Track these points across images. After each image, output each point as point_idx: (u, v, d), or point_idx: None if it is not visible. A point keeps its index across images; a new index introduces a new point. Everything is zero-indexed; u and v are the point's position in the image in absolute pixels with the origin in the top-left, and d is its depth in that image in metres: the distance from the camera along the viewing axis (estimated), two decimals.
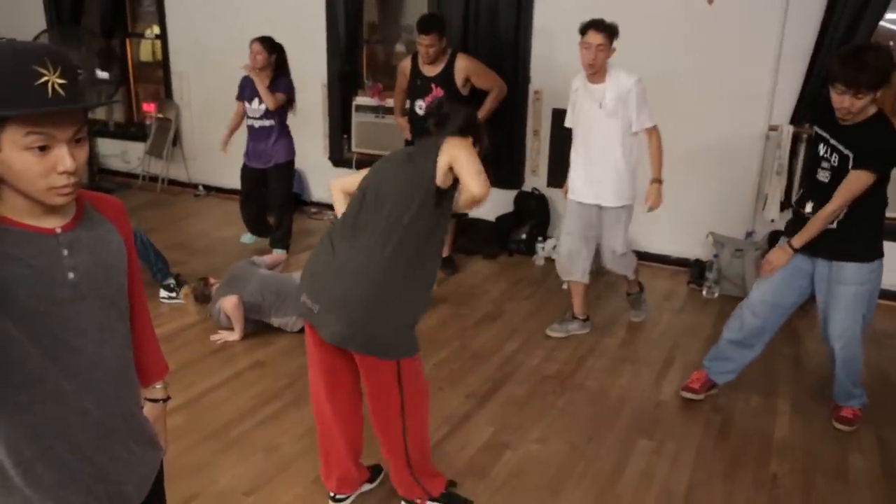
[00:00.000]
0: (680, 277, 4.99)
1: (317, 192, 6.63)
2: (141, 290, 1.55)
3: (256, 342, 3.88)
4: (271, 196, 5.24)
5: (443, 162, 2.19)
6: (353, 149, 6.29)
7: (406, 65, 4.75)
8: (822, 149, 2.90)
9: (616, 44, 3.64)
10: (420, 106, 4.62)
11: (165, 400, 1.66)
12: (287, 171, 5.17)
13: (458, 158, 2.19)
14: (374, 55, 6.64)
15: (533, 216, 5.45)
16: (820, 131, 2.92)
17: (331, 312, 2.21)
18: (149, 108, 7.40)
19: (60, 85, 1.16)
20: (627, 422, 3.19)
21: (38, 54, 1.15)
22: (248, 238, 5.58)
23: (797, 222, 3.01)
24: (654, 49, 4.75)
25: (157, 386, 1.64)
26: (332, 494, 2.60)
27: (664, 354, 3.86)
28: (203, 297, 4.12)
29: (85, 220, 1.34)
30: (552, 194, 5.49)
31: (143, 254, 4.37)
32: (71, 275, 1.28)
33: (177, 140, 7.17)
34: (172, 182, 7.25)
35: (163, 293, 4.38)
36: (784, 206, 4.42)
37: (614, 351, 3.88)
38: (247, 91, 5.02)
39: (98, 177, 7.32)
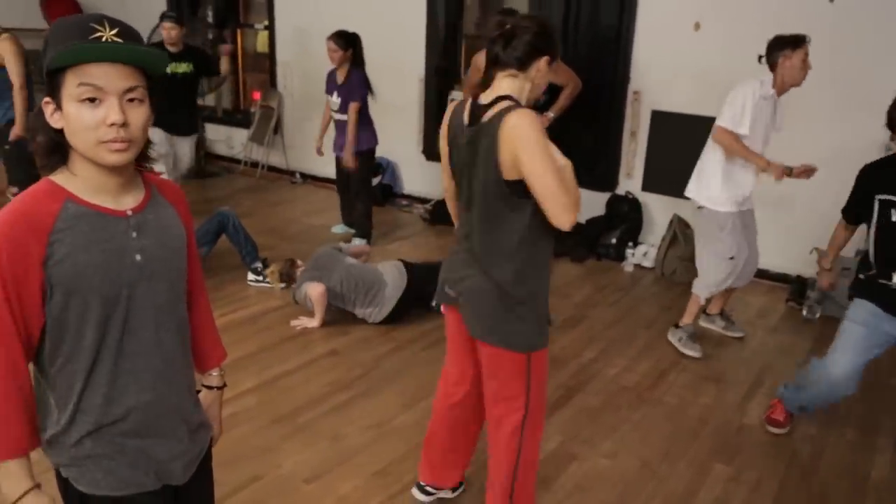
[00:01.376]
0: (778, 294, 4.68)
1: (409, 185, 6.67)
2: (199, 275, 1.57)
3: (334, 330, 3.92)
4: (344, 184, 5.42)
5: (505, 159, 1.89)
6: None
7: (480, 59, 4.67)
8: None
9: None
10: None
11: (221, 387, 1.66)
12: (362, 159, 5.20)
13: (529, 166, 1.86)
14: (474, 51, 6.59)
15: (625, 221, 5.26)
16: (890, 197, 2.68)
17: (466, 301, 2.13)
18: (257, 96, 7.68)
19: (114, 43, 1.20)
20: (706, 444, 3.00)
21: (97, 17, 1.21)
22: (339, 228, 5.68)
23: (882, 292, 2.74)
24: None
25: (214, 373, 1.65)
26: (420, 483, 2.56)
27: (753, 375, 3.62)
28: (287, 278, 4.28)
29: (152, 203, 1.37)
30: (646, 199, 5.29)
31: (234, 237, 4.51)
32: (138, 256, 1.31)
33: (278, 128, 7.39)
34: (272, 168, 7.49)
35: (250, 276, 4.51)
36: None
37: (699, 367, 3.68)
38: (329, 85, 5.16)
39: (204, 161, 7.65)
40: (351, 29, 5.17)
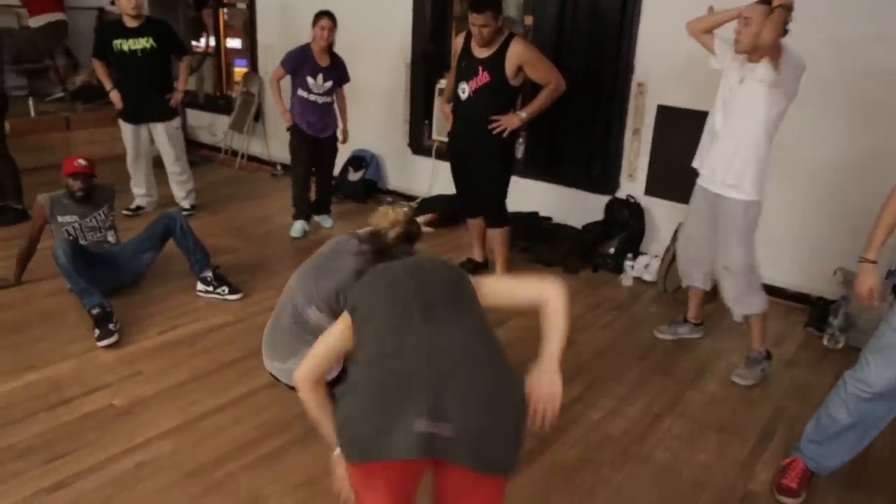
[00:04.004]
0: (795, 317, 4.13)
1: (394, 181, 6.16)
2: None
3: None
4: (325, 165, 5.16)
5: None
6: (434, 136, 5.77)
7: (458, 42, 4.13)
8: None
9: None
10: (464, 90, 4.02)
11: None
12: (337, 140, 5.13)
13: None
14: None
15: (625, 228, 4.72)
16: None
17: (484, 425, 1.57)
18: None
19: None
20: None
21: None
22: (299, 229, 5.10)
23: None
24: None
25: None
26: None
27: (764, 421, 3.10)
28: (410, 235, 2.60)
29: None
30: (650, 204, 4.74)
31: (181, 242, 4.04)
32: None
33: (259, 115, 6.90)
34: (252, 158, 7.01)
35: (199, 286, 4.04)
36: None
37: (699, 410, 3.16)
38: (307, 67, 4.81)
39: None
40: (335, 9, 4.82)
